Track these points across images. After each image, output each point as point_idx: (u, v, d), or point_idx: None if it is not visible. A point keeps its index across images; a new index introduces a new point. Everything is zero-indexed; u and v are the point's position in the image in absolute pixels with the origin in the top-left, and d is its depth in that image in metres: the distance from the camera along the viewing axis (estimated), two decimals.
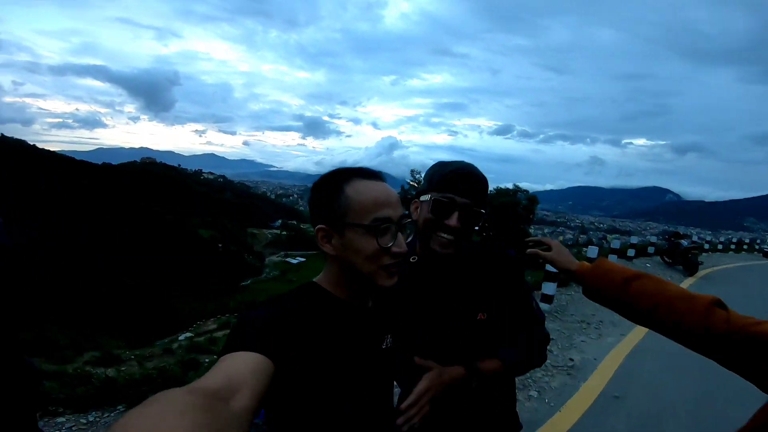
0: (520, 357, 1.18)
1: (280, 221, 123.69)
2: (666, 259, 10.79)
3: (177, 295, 40.72)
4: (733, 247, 18.04)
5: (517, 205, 24.36)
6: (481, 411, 1.18)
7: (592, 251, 8.90)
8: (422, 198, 1.11)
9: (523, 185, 26.50)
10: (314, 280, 0.88)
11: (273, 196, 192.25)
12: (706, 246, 16.47)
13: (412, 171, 25.44)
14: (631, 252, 11.19)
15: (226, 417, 0.46)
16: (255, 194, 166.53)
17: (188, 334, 11.44)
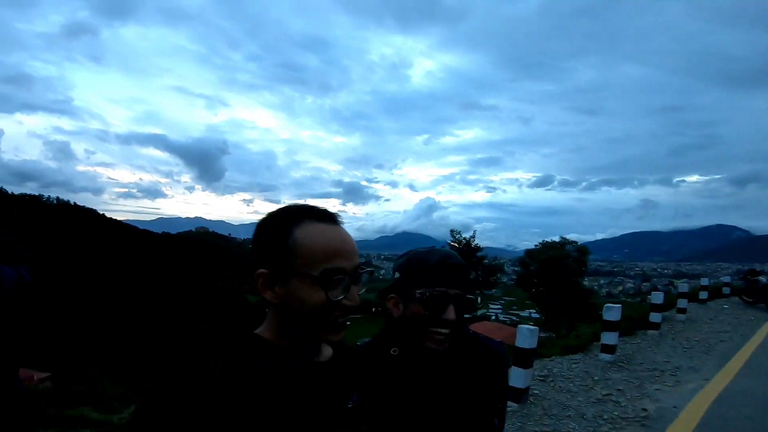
0: None
1: None
2: (746, 298, 10.02)
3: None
4: None
5: (567, 258, 23.22)
6: None
7: (657, 297, 8.08)
8: (408, 293, 1.01)
9: (571, 237, 25.44)
10: (256, 331, 0.76)
11: None
12: None
13: (452, 231, 25.12)
14: (703, 295, 10.16)
15: None
16: None
17: None
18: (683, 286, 9.86)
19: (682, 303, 8.47)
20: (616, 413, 3.53)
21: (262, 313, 0.77)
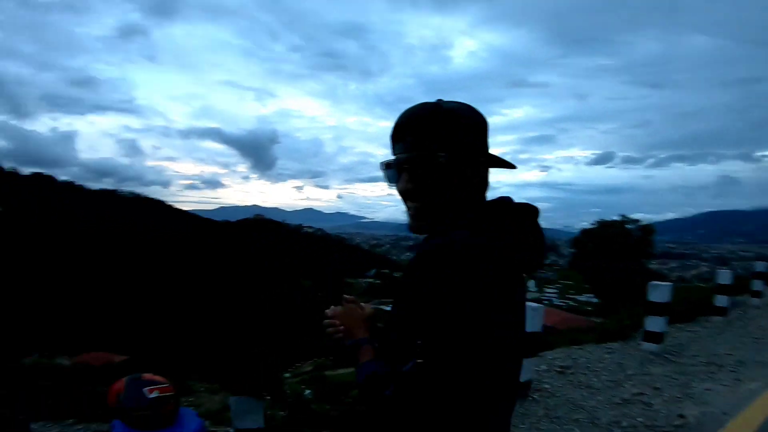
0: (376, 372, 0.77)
1: (374, 270, 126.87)
2: None
3: (279, 338, 43.10)
4: None
5: (627, 237, 21.24)
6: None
7: (724, 276, 6.82)
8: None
9: (637, 216, 23.26)
10: None
11: (367, 247, 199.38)
12: None
13: None
14: None
15: None
16: (350, 245, 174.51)
17: (286, 375, 12.70)
18: (761, 265, 8.36)
19: (757, 285, 7.12)
20: (641, 419, 2.77)
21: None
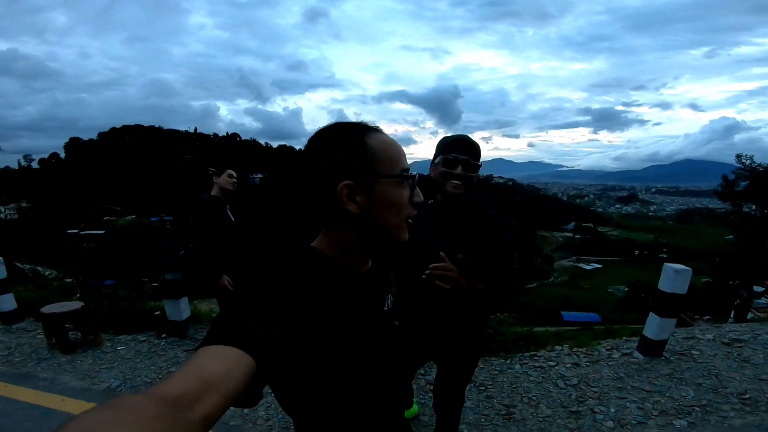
0: (498, 290, 1.55)
1: (573, 224, 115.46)
2: None
3: None
4: None
5: None
6: (466, 320, 1.65)
7: None
8: (436, 161, 1.56)
9: None
10: (313, 245, 0.78)
11: (565, 197, 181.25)
12: None
13: (739, 156, 18.60)
14: None
15: (184, 428, 0.43)
16: (545, 196, 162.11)
17: None
18: None
19: None
20: None
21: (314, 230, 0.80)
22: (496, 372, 3.11)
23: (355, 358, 0.72)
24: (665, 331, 3.19)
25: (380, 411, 0.80)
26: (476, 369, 3.16)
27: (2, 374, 3.17)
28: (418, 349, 1.72)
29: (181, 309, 3.80)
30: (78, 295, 5.53)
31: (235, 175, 3.11)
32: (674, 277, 3.04)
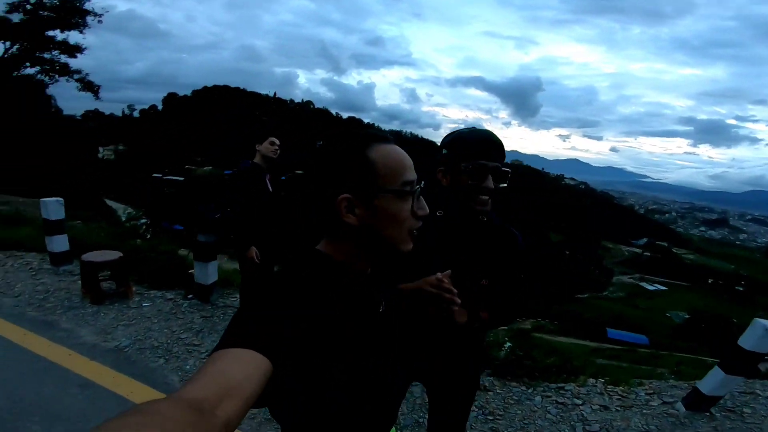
0: (505, 310, 1.32)
1: (645, 240, 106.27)
2: None
3: None
4: None
5: None
6: (471, 346, 1.43)
7: None
8: (460, 166, 1.21)
9: None
10: (319, 248, 0.79)
11: (642, 211, 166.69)
12: None
13: None
14: None
15: (210, 429, 0.44)
16: (619, 205, 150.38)
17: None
18: None
19: None
20: None
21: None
22: (513, 401, 2.82)
23: (357, 357, 0.74)
24: (725, 388, 2.70)
25: (381, 409, 0.84)
26: (490, 393, 2.92)
27: (30, 320, 3.38)
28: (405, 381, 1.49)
29: (208, 273, 3.88)
30: (148, 236, 5.88)
31: (277, 142, 3.01)
32: (763, 336, 2.52)
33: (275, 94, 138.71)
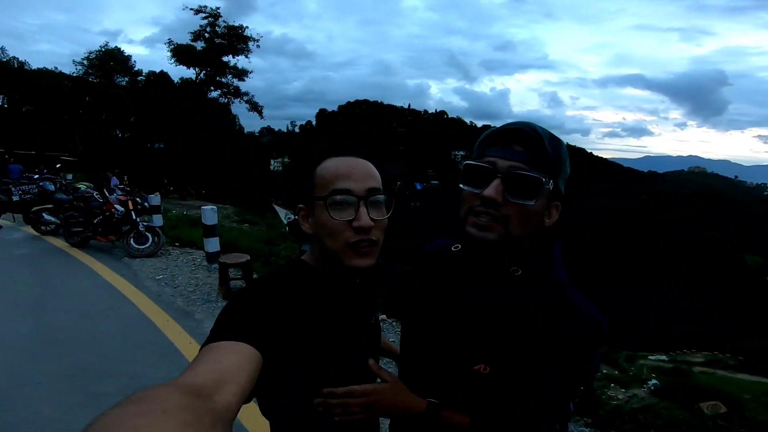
0: (499, 420, 0.78)
1: None
2: None
3: (684, 316, 35.96)
4: None
5: None
6: None
7: None
8: (462, 165, 0.82)
9: None
10: (302, 257, 0.86)
11: None
12: None
13: None
14: None
15: (210, 415, 0.43)
16: None
17: (662, 357, 10.50)
18: None
19: None
20: None
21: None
22: None
23: (344, 356, 0.80)
24: None
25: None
26: None
27: (176, 308, 4.04)
28: None
29: None
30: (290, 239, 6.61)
31: None
32: None
33: (409, 105, 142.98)
